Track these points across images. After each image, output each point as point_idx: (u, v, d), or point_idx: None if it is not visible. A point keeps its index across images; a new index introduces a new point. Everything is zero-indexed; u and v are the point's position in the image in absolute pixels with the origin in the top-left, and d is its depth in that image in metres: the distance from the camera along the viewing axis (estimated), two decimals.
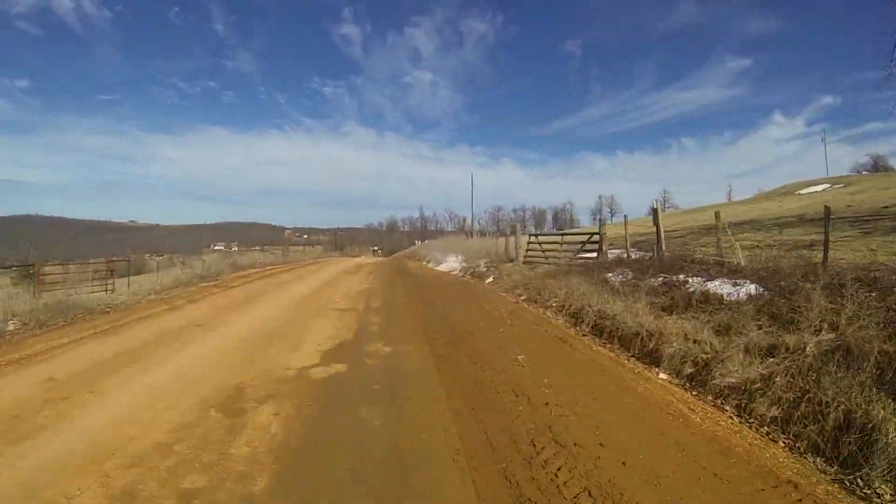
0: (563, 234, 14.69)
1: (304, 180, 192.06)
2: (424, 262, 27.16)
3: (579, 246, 13.22)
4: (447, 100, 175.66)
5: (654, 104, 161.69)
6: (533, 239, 14.56)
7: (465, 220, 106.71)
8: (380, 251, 77.40)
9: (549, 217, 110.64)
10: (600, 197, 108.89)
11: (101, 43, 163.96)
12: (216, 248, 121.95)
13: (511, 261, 14.52)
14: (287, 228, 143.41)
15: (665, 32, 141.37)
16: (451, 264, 19.58)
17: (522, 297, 9.70)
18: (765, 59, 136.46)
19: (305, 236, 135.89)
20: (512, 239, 15.63)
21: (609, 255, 12.34)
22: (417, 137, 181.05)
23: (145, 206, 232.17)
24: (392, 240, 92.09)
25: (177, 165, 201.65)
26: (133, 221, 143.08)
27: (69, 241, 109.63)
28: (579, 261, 12.36)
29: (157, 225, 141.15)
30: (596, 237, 12.71)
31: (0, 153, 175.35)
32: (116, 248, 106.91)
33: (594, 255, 12.36)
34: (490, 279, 13.06)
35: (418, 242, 72.94)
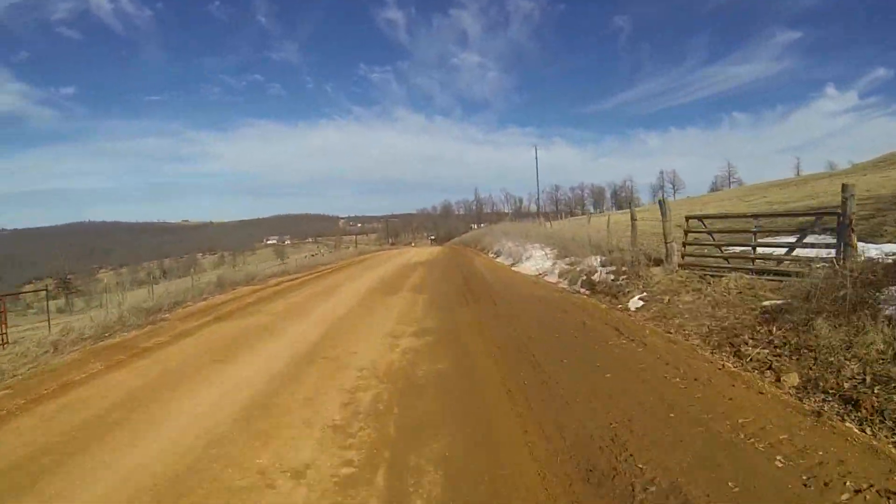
0: (755, 216, 8.38)
1: (356, 168, 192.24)
2: (492, 256, 21.49)
3: (796, 236, 7.10)
4: (495, 81, 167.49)
5: (705, 79, 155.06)
6: (697, 224, 8.43)
7: (521, 200, 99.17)
8: (435, 239, 72.93)
9: (608, 195, 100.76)
10: (661, 172, 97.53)
11: (145, 43, 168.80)
12: (269, 241, 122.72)
13: (658, 263, 8.62)
14: (341, 218, 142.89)
15: (714, 6, 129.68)
16: (539, 262, 13.82)
17: (790, 384, 3.92)
18: (815, 32, 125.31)
19: (359, 225, 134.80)
20: (654, 222, 9.52)
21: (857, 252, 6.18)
22: (467, 120, 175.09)
23: (198, 205, 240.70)
24: (447, 225, 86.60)
25: (228, 161, 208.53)
26: (186, 220, 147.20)
27: (124, 245, 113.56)
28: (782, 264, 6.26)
29: (211, 222, 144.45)
30: (830, 218, 6.49)
31: (50, 163, 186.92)
32: (171, 248, 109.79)
33: (830, 251, 6.17)
34: (637, 302, 7.28)
35: (475, 227, 67.03)
